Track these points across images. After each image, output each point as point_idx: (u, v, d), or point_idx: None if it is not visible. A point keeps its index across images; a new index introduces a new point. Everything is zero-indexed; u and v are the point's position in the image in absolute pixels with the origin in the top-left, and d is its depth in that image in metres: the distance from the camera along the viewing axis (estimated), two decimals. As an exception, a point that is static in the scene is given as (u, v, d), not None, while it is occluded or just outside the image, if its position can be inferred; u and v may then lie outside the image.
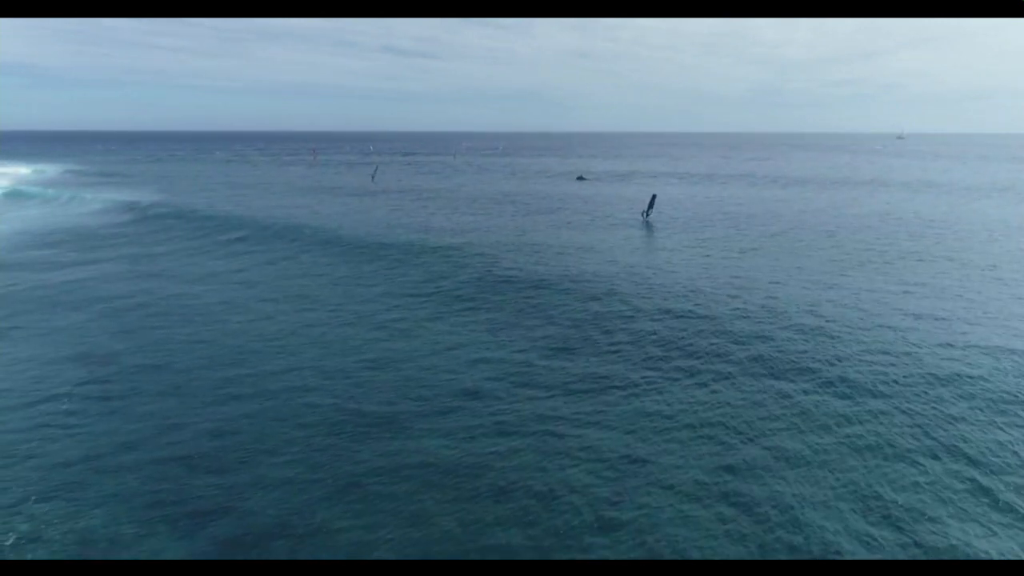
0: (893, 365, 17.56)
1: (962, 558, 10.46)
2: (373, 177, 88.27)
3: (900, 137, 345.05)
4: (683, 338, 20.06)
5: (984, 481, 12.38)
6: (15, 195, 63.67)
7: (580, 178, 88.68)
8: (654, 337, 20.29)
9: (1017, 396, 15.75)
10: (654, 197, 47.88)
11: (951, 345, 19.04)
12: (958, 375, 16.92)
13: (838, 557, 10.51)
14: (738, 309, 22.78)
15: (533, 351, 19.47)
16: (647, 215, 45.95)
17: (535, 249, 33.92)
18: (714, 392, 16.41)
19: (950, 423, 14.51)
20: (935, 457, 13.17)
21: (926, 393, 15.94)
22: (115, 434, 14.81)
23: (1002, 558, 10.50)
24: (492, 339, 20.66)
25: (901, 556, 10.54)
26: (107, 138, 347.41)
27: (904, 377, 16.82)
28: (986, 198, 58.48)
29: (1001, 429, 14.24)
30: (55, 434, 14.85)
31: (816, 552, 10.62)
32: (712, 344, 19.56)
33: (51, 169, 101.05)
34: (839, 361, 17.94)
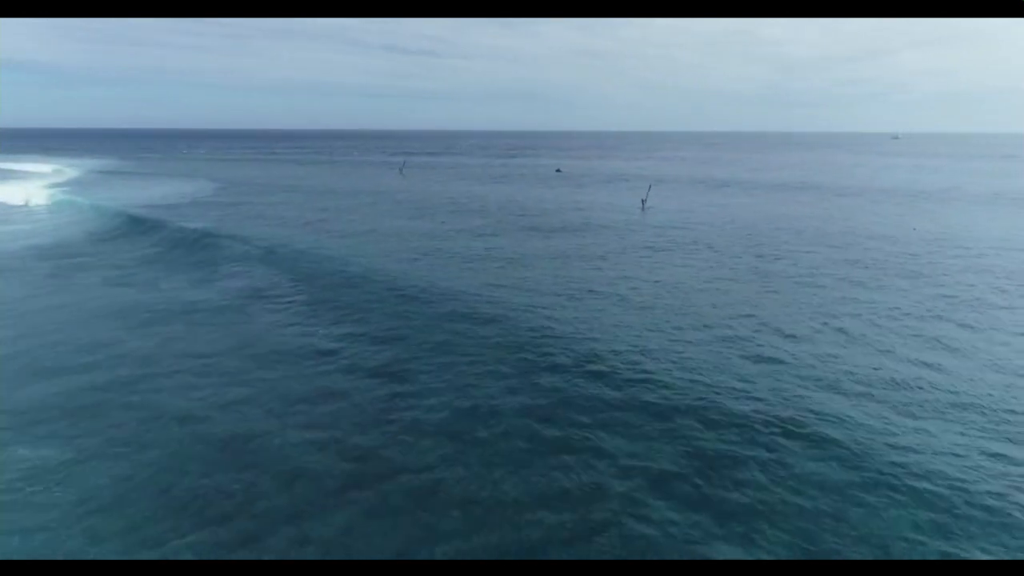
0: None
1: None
2: (401, 170, 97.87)
3: (895, 137, 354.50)
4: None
5: None
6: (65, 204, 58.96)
7: (558, 171, 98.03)
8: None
9: None
10: (650, 187, 57.69)
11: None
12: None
13: (838, 557, 10.61)
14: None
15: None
16: (644, 204, 55.14)
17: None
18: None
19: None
20: None
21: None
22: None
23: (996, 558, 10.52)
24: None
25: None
26: (125, 136, 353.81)
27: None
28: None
29: None
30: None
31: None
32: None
33: (100, 164, 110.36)
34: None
